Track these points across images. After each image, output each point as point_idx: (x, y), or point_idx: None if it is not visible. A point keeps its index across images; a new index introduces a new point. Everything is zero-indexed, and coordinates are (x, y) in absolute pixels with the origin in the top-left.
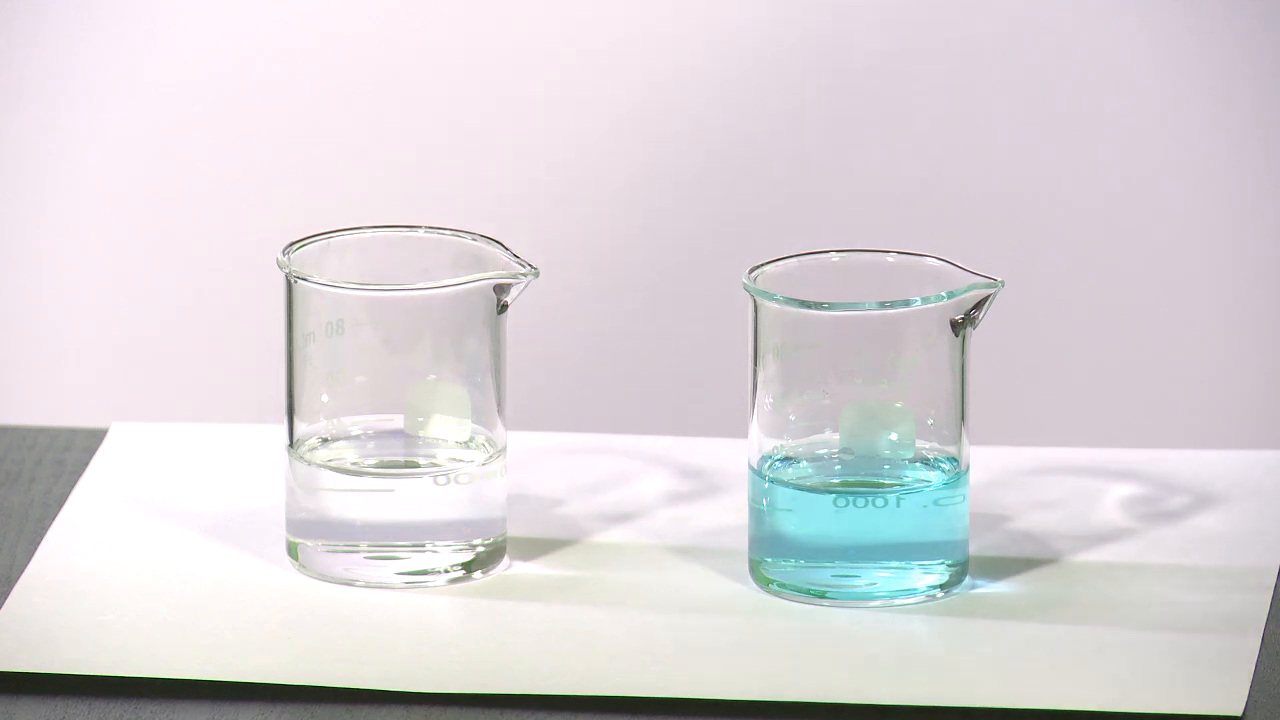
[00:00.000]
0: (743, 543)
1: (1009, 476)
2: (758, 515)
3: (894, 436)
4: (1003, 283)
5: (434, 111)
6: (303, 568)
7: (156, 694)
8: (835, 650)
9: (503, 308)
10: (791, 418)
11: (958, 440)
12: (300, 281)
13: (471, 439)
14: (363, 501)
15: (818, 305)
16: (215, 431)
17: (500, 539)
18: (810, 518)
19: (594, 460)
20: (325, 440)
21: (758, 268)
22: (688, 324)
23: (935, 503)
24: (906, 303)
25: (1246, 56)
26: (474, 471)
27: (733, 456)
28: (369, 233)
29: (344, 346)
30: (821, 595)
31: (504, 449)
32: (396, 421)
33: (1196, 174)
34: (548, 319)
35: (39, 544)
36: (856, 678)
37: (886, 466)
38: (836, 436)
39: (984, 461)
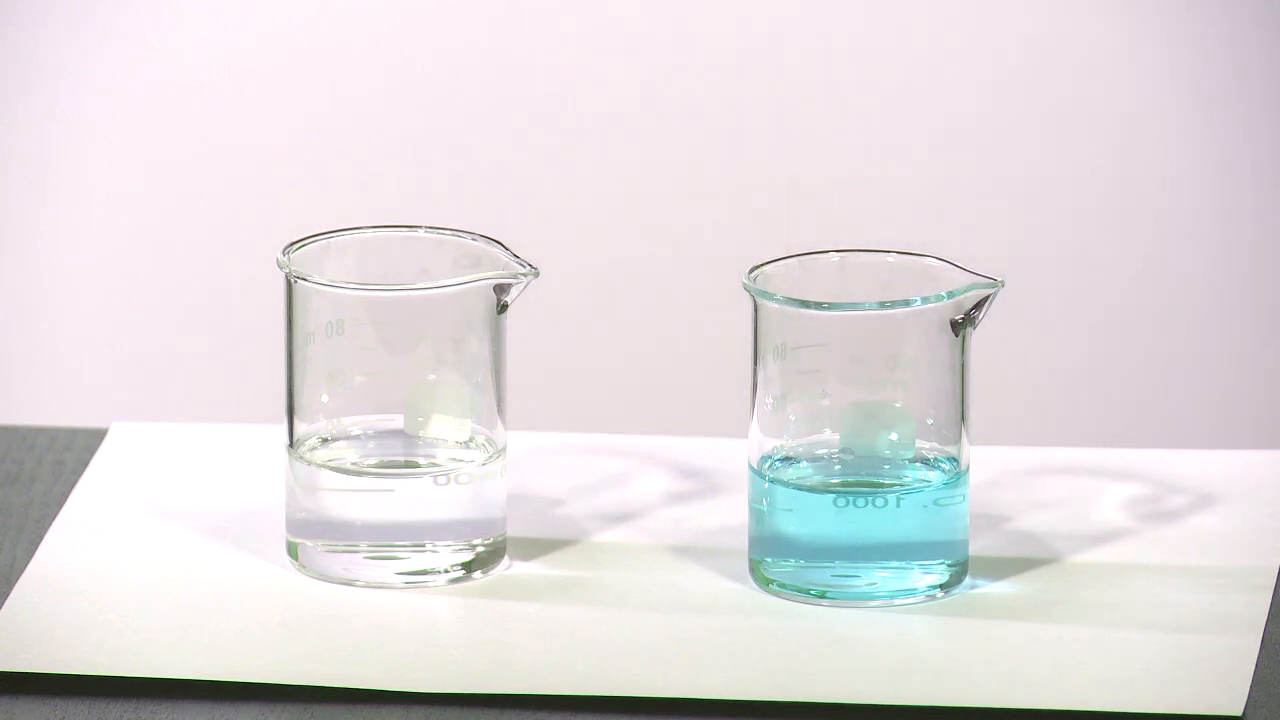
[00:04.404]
0: (743, 543)
1: (1009, 476)
2: (758, 515)
3: (894, 436)
4: (1003, 283)
5: (434, 112)
6: (303, 568)
7: (156, 694)
8: (835, 650)
9: (503, 308)
10: (791, 418)
11: (958, 440)
12: (300, 281)
13: (471, 439)
14: (362, 501)
15: (818, 305)
16: (215, 431)
17: (500, 539)
18: (810, 518)
19: (594, 460)
20: (325, 440)
21: (758, 268)
22: (688, 324)
23: (935, 503)
24: (906, 303)
25: (1247, 56)
26: (474, 471)
27: (733, 456)
28: (369, 233)
29: (344, 346)
30: (821, 595)
31: (504, 449)
32: (396, 421)
33: (1196, 174)
34: (548, 319)
35: (39, 544)
36: (856, 678)
37: (886, 466)
38: (836, 436)
39: (984, 461)
